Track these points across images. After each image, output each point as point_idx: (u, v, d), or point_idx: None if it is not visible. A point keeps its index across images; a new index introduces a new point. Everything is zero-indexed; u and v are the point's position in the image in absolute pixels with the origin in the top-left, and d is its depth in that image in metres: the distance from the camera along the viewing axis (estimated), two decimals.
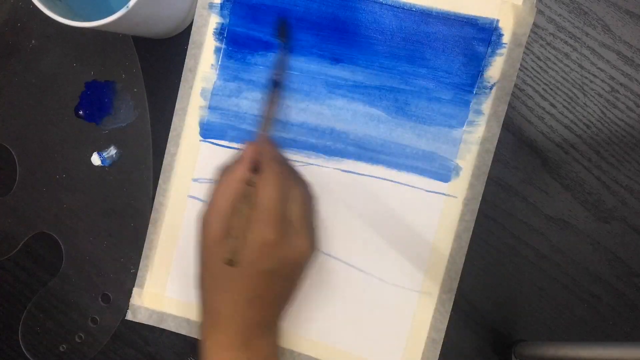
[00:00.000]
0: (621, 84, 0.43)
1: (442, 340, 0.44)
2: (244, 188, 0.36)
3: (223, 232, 0.36)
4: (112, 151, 0.46)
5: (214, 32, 0.45)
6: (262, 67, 0.44)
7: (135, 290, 0.46)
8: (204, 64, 0.45)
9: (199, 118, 0.45)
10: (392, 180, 0.44)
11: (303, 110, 0.44)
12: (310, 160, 0.45)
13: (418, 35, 0.43)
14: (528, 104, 0.44)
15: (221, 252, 0.36)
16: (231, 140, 0.45)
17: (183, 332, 0.46)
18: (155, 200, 0.46)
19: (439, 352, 0.44)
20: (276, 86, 0.41)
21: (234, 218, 0.36)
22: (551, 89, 0.43)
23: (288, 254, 0.36)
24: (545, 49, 0.43)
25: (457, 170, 0.43)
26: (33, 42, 0.47)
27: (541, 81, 0.43)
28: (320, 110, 0.44)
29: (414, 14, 0.43)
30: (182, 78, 0.45)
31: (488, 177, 0.43)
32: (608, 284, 0.44)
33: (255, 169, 0.37)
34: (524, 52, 0.43)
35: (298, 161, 0.45)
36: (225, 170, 0.38)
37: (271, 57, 0.44)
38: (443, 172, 0.43)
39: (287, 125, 0.45)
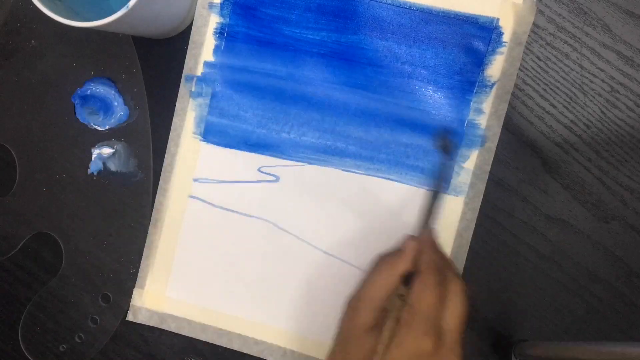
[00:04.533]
0: (621, 84, 0.43)
1: None
2: (394, 282, 0.35)
3: (371, 323, 0.34)
4: (112, 151, 0.46)
5: (214, 32, 0.45)
6: (261, 67, 0.44)
7: (135, 290, 0.46)
8: (204, 64, 0.45)
9: (199, 118, 0.45)
10: (393, 180, 0.44)
11: (303, 110, 0.44)
12: (311, 160, 0.45)
13: (418, 34, 0.43)
14: (528, 104, 0.44)
15: (367, 345, 0.34)
16: (231, 140, 0.45)
17: (184, 332, 0.46)
18: (155, 200, 0.46)
19: None
20: (437, 193, 0.41)
21: (383, 313, 0.35)
22: (551, 89, 0.43)
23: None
24: (545, 49, 0.43)
25: (458, 169, 0.43)
26: (33, 42, 0.47)
27: (541, 81, 0.43)
28: (321, 110, 0.44)
29: (414, 12, 0.43)
30: (182, 78, 0.45)
31: (488, 177, 0.43)
32: (608, 284, 0.44)
33: (405, 280, 0.36)
34: (524, 52, 0.43)
35: (298, 161, 0.45)
36: (384, 260, 0.37)
37: (271, 57, 0.44)
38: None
39: (288, 125, 0.45)
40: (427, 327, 0.33)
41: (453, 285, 0.35)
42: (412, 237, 0.37)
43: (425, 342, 0.33)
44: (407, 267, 0.35)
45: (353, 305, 0.36)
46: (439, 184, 0.42)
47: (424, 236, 0.38)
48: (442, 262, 0.36)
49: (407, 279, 0.36)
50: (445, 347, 0.34)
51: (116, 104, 0.46)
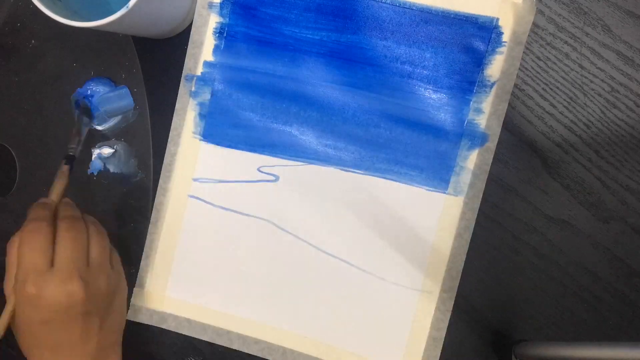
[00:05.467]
0: (621, 84, 0.43)
1: (443, 339, 0.44)
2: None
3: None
4: (112, 151, 0.46)
5: (214, 31, 0.45)
6: (261, 67, 0.44)
7: (136, 290, 0.46)
8: (204, 63, 0.45)
9: (199, 118, 0.45)
10: (392, 179, 0.44)
11: (303, 109, 0.44)
12: (310, 160, 0.45)
13: (418, 33, 0.43)
14: (528, 104, 0.44)
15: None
16: (231, 140, 0.45)
17: (184, 332, 0.46)
18: (155, 200, 0.46)
19: (440, 351, 0.44)
20: (68, 162, 0.44)
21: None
22: (551, 89, 0.43)
23: (56, 302, 0.37)
24: (545, 49, 0.43)
25: (457, 169, 0.43)
26: (33, 42, 0.47)
27: (541, 81, 0.43)
28: (320, 110, 0.44)
29: (414, 12, 0.43)
30: (182, 78, 0.45)
31: (488, 177, 0.43)
32: (608, 284, 0.44)
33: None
34: (523, 52, 0.43)
35: (297, 161, 0.45)
36: (9, 244, 0.40)
37: (271, 56, 0.44)
38: (444, 170, 0.43)
39: (287, 125, 0.45)
40: (26, 275, 0.37)
41: (60, 226, 0.39)
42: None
43: (27, 287, 0.37)
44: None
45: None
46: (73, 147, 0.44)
47: (34, 210, 0.41)
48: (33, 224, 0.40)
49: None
50: (48, 286, 0.37)
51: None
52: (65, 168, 0.43)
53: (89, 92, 0.46)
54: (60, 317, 0.38)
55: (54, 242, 0.39)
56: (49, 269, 0.38)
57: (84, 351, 0.39)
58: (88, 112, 0.46)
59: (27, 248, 0.38)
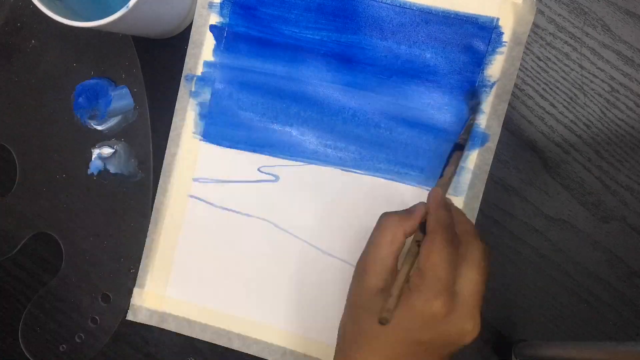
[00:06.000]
0: (621, 84, 0.43)
1: None
2: (410, 245, 0.33)
3: (381, 285, 0.33)
4: (112, 151, 0.46)
5: (214, 31, 0.45)
6: (261, 67, 0.44)
7: (135, 290, 0.46)
8: (204, 63, 0.45)
9: (199, 118, 0.45)
10: (392, 179, 0.44)
11: (303, 109, 0.44)
12: (310, 160, 0.45)
13: (418, 33, 0.43)
14: (528, 104, 0.44)
15: (376, 308, 0.32)
16: (231, 140, 0.45)
17: (184, 332, 0.46)
18: (155, 200, 0.46)
19: None
20: (460, 149, 0.39)
21: (394, 274, 0.33)
22: (551, 89, 0.43)
23: (452, 332, 0.32)
24: (545, 49, 0.43)
25: (457, 169, 0.43)
26: (33, 42, 0.47)
27: (541, 81, 0.43)
28: (320, 110, 0.44)
29: (414, 12, 0.43)
30: (182, 78, 0.45)
31: (488, 178, 0.43)
32: (608, 284, 0.44)
33: (422, 228, 0.34)
34: (524, 52, 0.43)
35: (298, 161, 0.45)
36: (391, 219, 0.35)
37: (271, 56, 0.44)
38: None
39: (287, 125, 0.45)
40: (437, 289, 0.31)
41: (471, 247, 0.33)
42: (422, 202, 0.36)
43: (434, 303, 0.31)
44: (413, 226, 0.34)
45: (360, 269, 0.34)
46: (463, 140, 0.41)
47: (434, 194, 0.35)
48: (453, 221, 0.34)
49: (424, 228, 0.34)
50: (458, 311, 0.32)
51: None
52: (458, 154, 0.39)
53: (88, 91, 0.46)
54: (437, 348, 0.33)
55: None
56: (455, 294, 0.32)
57: None
58: (478, 110, 0.42)
59: (441, 258, 0.32)
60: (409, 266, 0.33)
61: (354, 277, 0.35)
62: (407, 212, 0.35)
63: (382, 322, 0.31)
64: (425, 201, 0.37)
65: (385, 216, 0.35)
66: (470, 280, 0.33)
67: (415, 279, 0.32)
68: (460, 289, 0.32)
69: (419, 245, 0.33)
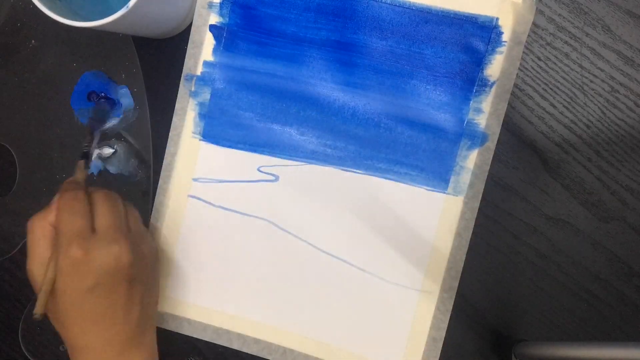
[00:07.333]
0: (621, 84, 0.43)
1: (442, 339, 0.44)
2: (50, 230, 0.37)
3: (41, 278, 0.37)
4: (112, 151, 0.46)
5: (214, 31, 0.45)
6: (261, 67, 0.45)
7: None
8: (204, 63, 0.45)
9: (199, 118, 0.45)
10: (392, 179, 0.44)
11: (302, 109, 0.44)
12: (310, 160, 0.45)
13: (418, 33, 0.43)
14: (528, 104, 0.44)
15: (37, 304, 0.36)
16: (230, 139, 0.45)
17: (184, 332, 0.46)
18: (155, 200, 0.46)
19: (439, 351, 0.44)
20: (85, 157, 0.44)
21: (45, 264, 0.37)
22: (551, 89, 0.43)
23: (103, 265, 0.36)
24: (545, 49, 0.43)
25: (457, 168, 0.43)
26: (33, 42, 0.47)
27: (541, 81, 0.43)
28: (320, 110, 0.44)
29: (414, 12, 0.43)
30: (182, 78, 0.45)
31: (488, 178, 0.43)
32: (608, 284, 0.44)
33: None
34: (523, 52, 0.43)
35: (297, 160, 0.45)
36: (36, 219, 0.38)
37: (270, 56, 0.44)
38: (443, 170, 0.43)
39: (287, 124, 0.45)
40: (68, 238, 0.36)
41: (95, 196, 0.39)
42: (57, 196, 0.39)
43: (72, 251, 0.35)
44: (54, 214, 0.37)
45: (29, 274, 0.38)
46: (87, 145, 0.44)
47: (64, 186, 0.39)
48: (79, 188, 0.39)
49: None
50: (98, 244, 0.36)
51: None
52: (80, 162, 0.42)
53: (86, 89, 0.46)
54: (106, 283, 0.36)
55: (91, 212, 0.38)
56: (92, 234, 0.37)
57: (126, 321, 0.38)
58: (103, 113, 0.45)
59: (68, 214, 0.36)
60: (52, 268, 0.36)
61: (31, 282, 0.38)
62: (47, 208, 0.38)
63: (39, 317, 0.35)
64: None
65: (30, 220, 0.38)
66: (102, 218, 0.37)
67: (56, 241, 0.37)
68: (97, 226, 0.37)
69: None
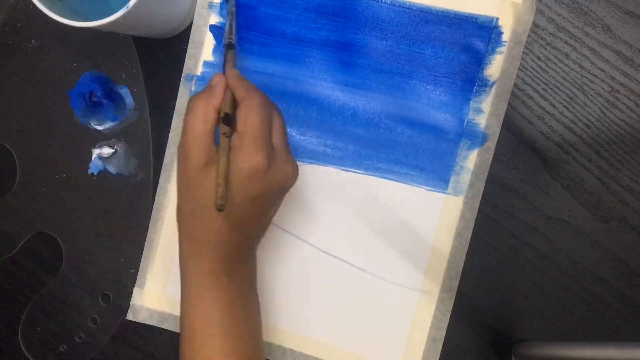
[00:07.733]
0: (621, 84, 0.43)
1: (442, 339, 0.44)
2: (221, 140, 0.36)
3: (204, 160, 0.35)
4: (112, 151, 0.46)
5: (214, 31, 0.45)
6: (261, 67, 0.44)
7: (135, 290, 0.46)
8: (204, 63, 0.45)
9: None
10: (392, 179, 0.44)
11: (302, 109, 0.44)
12: (310, 160, 0.45)
13: (418, 33, 0.43)
14: (528, 104, 0.44)
15: (203, 181, 0.35)
16: None
17: None
18: (155, 200, 0.46)
19: (439, 351, 0.44)
20: (232, 48, 0.41)
21: (213, 149, 0.36)
22: (551, 89, 0.43)
23: (276, 178, 0.36)
24: (545, 49, 0.43)
25: (457, 168, 0.43)
26: (33, 42, 0.47)
27: (541, 81, 0.43)
28: (320, 110, 0.44)
29: (414, 12, 0.43)
30: (182, 78, 0.45)
31: (488, 178, 0.43)
32: (608, 284, 0.44)
33: (226, 120, 0.37)
34: (524, 52, 0.43)
35: (297, 160, 0.45)
36: (198, 99, 0.37)
37: (270, 56, 0.44)
38: (443, 170, 0.43)
39: (287, 125, 0.45)
40: (257, 145, 0.35)
41: (271, 102, 0.37)
42: (217, 74, 0.38)
43: (256, 158, 0.34)
44: (219, 99, 0.36)
45: (182, 153, 0.36)
46: (231, 37, 0.42)
47: (230, 72, 0.38)
48: (256, 87, 0.37)
49: (228, 119, 0.36)
50: (277, 160, 0.36)
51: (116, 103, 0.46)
52: (230, 54, 0.40)
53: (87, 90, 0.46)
54: (270, 196, 0.37)
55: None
56: (272, 148, 0.36)
57: (261, 230, 0.39)
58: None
59: (261, 120, 0.35)
60: (225, 157, 0.35)
61: (178, 161, 0.37)
62: (209, 89, 0.37)
63: (220, 208, 0.34)
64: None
65: (192, 99, 0.37)
66: (278, 132, 0.37)
67: (236, 141, 0.35)
68: (274, 140, 0.36)
69: (227, 137, 0.35)
